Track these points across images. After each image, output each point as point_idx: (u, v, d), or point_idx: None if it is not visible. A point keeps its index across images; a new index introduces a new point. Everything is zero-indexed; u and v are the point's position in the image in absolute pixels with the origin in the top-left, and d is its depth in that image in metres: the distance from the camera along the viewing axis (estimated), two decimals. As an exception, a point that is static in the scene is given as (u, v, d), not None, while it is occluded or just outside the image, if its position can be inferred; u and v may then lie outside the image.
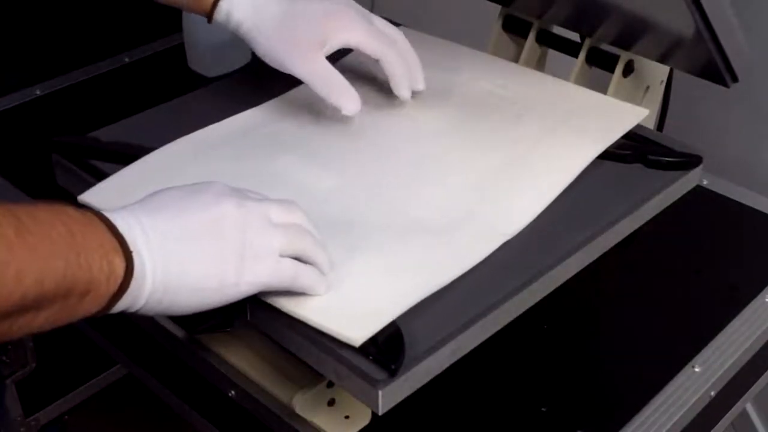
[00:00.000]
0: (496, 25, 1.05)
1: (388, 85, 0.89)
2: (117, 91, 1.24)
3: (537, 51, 1.04)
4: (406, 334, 0.67)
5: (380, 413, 0.65)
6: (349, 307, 0.68)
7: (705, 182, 1.04)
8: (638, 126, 0.90)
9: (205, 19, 0.89)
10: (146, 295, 0.63)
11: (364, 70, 0.97)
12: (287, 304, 0.68)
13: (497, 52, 1.05)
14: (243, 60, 1.28)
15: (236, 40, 1.28)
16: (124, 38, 1.33)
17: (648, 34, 0.91)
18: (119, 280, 0.61)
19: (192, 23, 1.23)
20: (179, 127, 0.88)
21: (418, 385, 0.67)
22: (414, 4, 1.44)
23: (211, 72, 1.25)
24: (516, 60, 1.04)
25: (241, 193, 0.68)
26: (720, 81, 0.90)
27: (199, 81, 1.24)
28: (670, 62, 0.95)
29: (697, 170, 0.87)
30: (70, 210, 0.61)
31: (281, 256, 0.67)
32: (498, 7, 1.04)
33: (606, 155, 0.86)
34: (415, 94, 0.91)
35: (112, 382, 1.48)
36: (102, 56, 1.30)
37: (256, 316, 0.71)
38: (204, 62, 1.26)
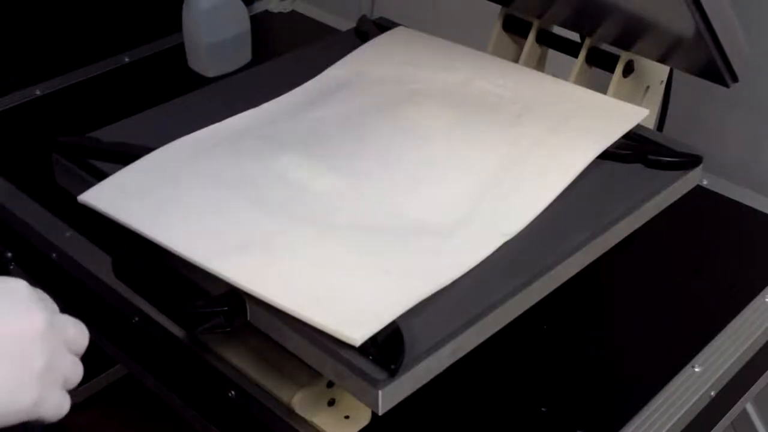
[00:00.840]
0: (496, 25, 1.05)
1: (388, 86, 0.89)
2: (117, 91, 1.24)
3: (537, 51, 1.04)
4: (406, 334, 0.67)
5: (380, 413, 0.65)
6: (350, 307, 0.68)
7: (705, 182, 1.05)
8: (638, 126, 0.90)
9: (206, 19, 0.88)
10: None
11: (361, 71, 0.97)
12: (288, 304, 0.68)
13: (497, 52, 1.05)
14: (243, 60, 1.28)
15: (236, 40, 1.28)
16: (124, 38, 1.33)
17: (648, 34, 0.91)
18: None
19: (192, 23, 1.23)
20: (179, 127, 0.88)
21: (418, 385, 0.67)
22: (414, 4, 1.44)
23: (211, 72, 1.25)
24: (516, 60, 1.04)
25: (46, 307, 0.58)
26: (720, 81, 0.90)
27: (199, 81, 1.24)
28: (670, 62, 0.95)
29: (697, 170, 0.87)
30: None
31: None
32: (498, 7, 1.04)
33: (606, 155, 0.86)
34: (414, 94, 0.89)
35: (112, 382, 1.49)
36: (102, 56, 1.30)
37: (256, 316, 0.71)
38: (204, 62, 1.25)
